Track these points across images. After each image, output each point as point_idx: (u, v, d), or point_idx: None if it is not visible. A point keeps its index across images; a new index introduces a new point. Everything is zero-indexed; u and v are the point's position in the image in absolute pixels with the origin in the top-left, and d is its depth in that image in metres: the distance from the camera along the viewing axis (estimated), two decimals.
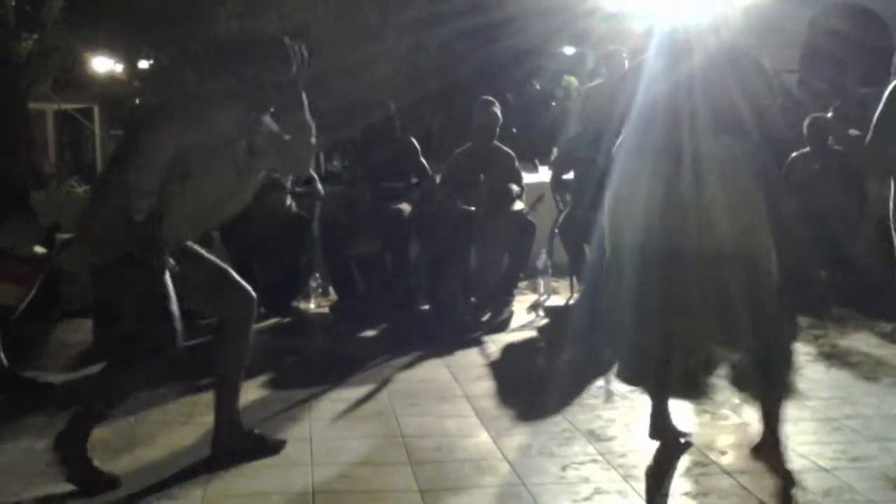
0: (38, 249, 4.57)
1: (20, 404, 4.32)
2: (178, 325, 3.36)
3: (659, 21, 3.55)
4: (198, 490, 3.30)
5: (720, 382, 4.60)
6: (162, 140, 3.28)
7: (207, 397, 4.42)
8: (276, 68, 3.50)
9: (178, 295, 3.39)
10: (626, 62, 8.17)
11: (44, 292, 4.64)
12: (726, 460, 3.59)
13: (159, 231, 3.26)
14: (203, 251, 3.68)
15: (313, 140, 3.58)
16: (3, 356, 4.57)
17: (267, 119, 3.56)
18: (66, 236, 6.22)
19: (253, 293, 3.68)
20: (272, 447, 3.73)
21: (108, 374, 3.48)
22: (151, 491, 3.32)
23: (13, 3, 12.34)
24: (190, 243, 3.59)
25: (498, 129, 6.90)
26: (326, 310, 6.76)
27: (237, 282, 3.65)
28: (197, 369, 4.46)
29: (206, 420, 4.07)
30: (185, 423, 4.12)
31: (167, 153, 3.27)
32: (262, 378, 4.85)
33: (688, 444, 3.75)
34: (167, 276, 3.35)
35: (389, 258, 6.69)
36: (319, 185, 6.81)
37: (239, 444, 3.67)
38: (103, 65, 19.24)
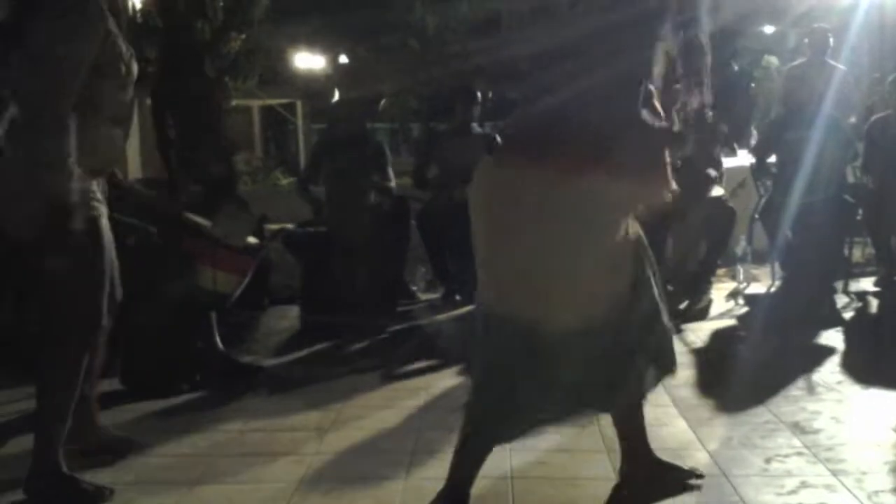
0: (251, 240, 4.76)
1: (234, 388, 4.56)
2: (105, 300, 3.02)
3: None
4: (401, 471, 3.39)
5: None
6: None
7: (411, 383, 4.60)
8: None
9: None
10: (831, 40, 7.86)
11: (254, 281, 4.83)
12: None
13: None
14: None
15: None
16: (218, 341, 4.81)
17: None
18: (274, 227, 6.53)
19: (119, 295, 3.24)
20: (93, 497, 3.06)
21: (44, 385, 3.04)
22: (356, 471, 3.44)
23: (222, 4, 12.99)
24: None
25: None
26: None
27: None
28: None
29: (409, 404, 4.23)
30: (389, 406, 4.24)
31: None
32: (458, 366, 4.93)
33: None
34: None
35: None
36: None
37: (56, 489, 3.03)
38: (305, 61, 20.08)
